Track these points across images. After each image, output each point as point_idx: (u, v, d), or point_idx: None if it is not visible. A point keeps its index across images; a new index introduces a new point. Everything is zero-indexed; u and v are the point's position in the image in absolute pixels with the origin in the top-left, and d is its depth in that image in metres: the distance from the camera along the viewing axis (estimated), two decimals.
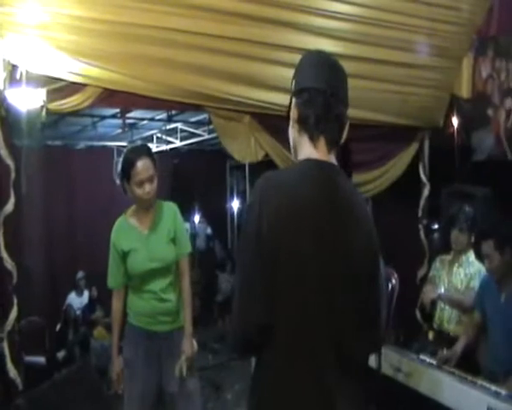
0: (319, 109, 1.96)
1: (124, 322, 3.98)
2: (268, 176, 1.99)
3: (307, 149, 2.01)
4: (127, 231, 3.89)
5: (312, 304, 1.88)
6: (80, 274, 9.17)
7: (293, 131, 2.07)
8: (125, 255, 3.84)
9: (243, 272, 1.94)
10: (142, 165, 3.68)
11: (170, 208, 3.94)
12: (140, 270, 3.81)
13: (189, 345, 3.86)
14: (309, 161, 1.99)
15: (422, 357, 4.37)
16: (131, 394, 3.86)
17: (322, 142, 2.00)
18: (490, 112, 5.61)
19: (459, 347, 4.45)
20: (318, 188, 1.94)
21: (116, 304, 3.97)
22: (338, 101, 1.99)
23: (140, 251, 3.80)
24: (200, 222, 12.63)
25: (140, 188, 3.70)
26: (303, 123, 2.01)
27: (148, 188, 3.71)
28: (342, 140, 2.05)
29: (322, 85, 1.97)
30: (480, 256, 4.79)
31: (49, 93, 4.27)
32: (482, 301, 4.55)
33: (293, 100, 2.04)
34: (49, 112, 4.37)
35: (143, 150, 3.82)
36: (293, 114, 2.03)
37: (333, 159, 2.02)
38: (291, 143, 2.11)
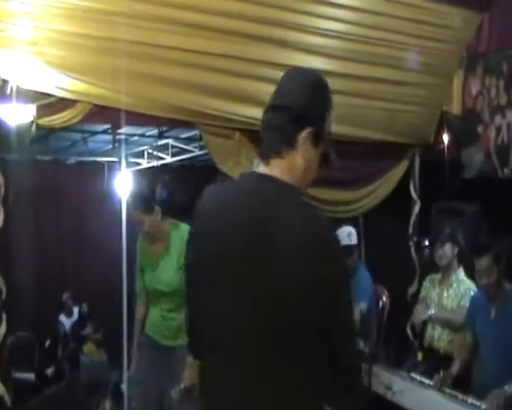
0: (263, 126, 1.87)
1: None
2: (205, 192, 1.93)
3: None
4: (144, 249, 4.20)
5: (227, 345, 1.73)
6: (66, 295, 9.11)
7: None
8: (141, 269, 4.17)
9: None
10: (135, 219, 4.11)
11: (182, 233, 4.04)
12: (148, 288, 4.11)
13: (190, 375, 3.87)
14: (245, 173, 1.90)
15: (413, 375, 4.36)
16: (135, 394, 4.29)
17: (260, 153, 1.87)
18: (480, 129, 5.62)
19: (454, 369, 4.44)
20: (242, 203, 1.78)
21: (138, 309, 4.32)
22: (281, 110, 1.83)
23: (149, 272, 4.09)
24: None
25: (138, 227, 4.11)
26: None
27: (141, 229, 4.05)
28: (288, 150, 1.81)
29: (271, 101, 1.89)
30: (471, 274, 4.80)
31: (39, 108, 4.28)
32: (473, 320, 4.56)
33: None
34: (38, 127, 4.36)
35: (134, 205, 4.17)
36: None
37: (275, 171, 1.80)
38: None
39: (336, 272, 1.69)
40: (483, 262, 4.30)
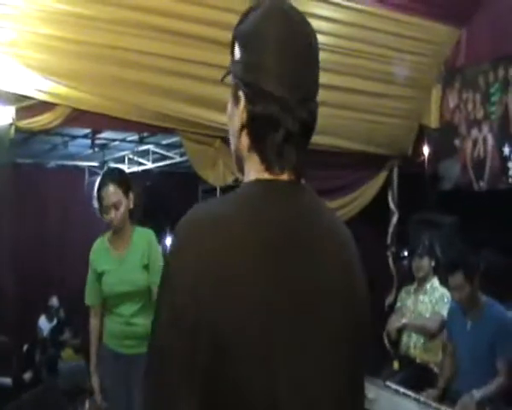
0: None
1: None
2: (195, 215, 1.22)
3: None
4: (103, 253, 3.92)
5: None
6: (54, 301, 9.01)
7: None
8: (99, 276, 3.87)
9: (162, 369, 1.11)
10: (105, 192, 3.72)
11: (145, 235, 3.91)
12: (110, 292, 3.84)
13: None
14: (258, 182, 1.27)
15: (388, 384, 4.39)
16: None
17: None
18: (457, 142, 5.70)
19: (441, 383, 4.55)
20: (274, 224, 1.19)
21: (93, 321, 4.04)
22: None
23: (111, 274, 3.82)
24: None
25: (106, 213, 3.74)
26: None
27: (113, 214, 3.72)
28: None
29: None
30: (445, 282, 4.84)
31: (18, 111, 4.26)
32: (450, 330, 4.62)
33: None
34: (18, 130, 4.35)
35: (111, 176, 3.84)
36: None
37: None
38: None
39: None
40: (455, 279, 4.35)
